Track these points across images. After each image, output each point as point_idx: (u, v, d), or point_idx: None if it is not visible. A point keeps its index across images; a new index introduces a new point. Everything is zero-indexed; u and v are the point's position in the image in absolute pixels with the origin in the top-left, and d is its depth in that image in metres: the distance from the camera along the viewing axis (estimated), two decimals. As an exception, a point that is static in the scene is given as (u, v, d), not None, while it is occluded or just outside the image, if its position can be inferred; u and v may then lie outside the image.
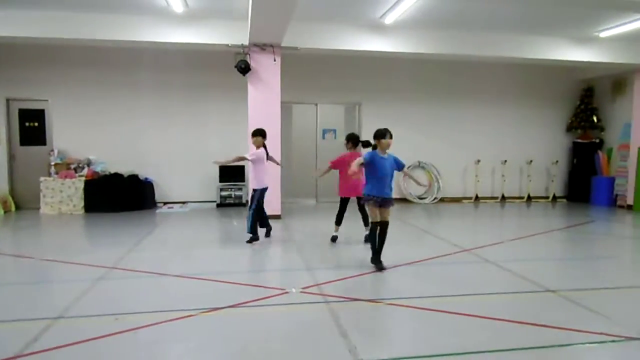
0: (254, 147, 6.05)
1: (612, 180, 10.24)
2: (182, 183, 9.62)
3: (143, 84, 9.34)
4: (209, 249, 5.86)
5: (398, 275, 4.63)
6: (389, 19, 7.60)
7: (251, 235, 5.97)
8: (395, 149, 10.73)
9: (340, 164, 5.90)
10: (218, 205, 9.32)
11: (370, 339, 3.10)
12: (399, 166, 4.93)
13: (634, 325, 3.36)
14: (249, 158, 5.88)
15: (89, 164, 8.90)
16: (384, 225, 4.77)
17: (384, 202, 4.73)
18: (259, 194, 5.96)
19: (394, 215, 8.64)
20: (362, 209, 5.91)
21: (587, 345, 3.03)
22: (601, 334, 3.17)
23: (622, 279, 4.62)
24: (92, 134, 9.22)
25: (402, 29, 8.22)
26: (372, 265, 4.79)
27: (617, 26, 7.95)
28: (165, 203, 9.43)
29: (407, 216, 8.54)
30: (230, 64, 7.74)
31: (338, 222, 6.10)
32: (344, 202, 6.10)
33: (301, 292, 4.00)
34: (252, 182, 6.00)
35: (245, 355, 2.86)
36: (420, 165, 10.52)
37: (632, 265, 5.27)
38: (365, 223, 5.83)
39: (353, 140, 6.02)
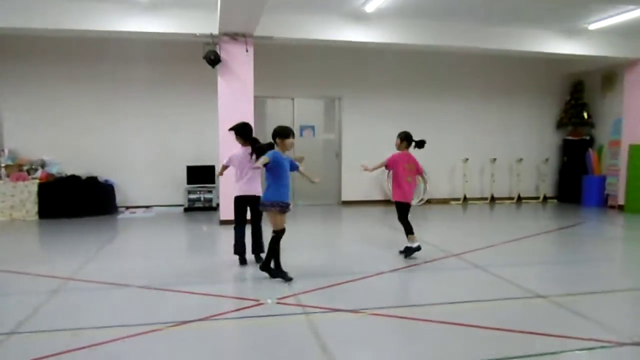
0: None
1: (602, 179, 10.53)
2: (146, 185, 9.50)
3: (103, 78, 9.19)
4: (176, 258, 5.81)
5: (382, 283, 4.68)
6: (370, 7, 7.66)
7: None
8: (378, 146, 10.85)
9: (393, 165, 5.73)
10: (186, 210, 9.24)
11: (352, 352, 3.13)
12: (293, 167, 4.85)
13: (625, 330, 3.47)
14: (225, 164, 5.49)
15: (43, 165, 8.71)
16: (283, 233, 4.69)
17: (286, 208, 4.67)
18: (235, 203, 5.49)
19: (378, 219, 8.75)
20: (405, 218, 5.64)
21: (577, 352, 3.12)
22: (592, 340, 3.27)
23: (612, 283, 4.77)
24: (47, 132, 9.03)
25: (385, 18, 8.29)
26: (269, 275, 4.68)
27: (606, 18, 8.18)
28: (127, 207, 9.30)
29: (392, 220, 8.62)
30: (199, 55, 7.67)
31: (409, 230, 5.59)
32: (399, 207, 5.71)
33: (277, 302, 4.00)
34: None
35: (217, 372, 2.86)
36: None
37: (623, 268, 5.44)
38: (408, 233, 5.56)
39: (408, 139, 5.77)
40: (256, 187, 5.38)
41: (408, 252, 5.50)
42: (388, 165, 5.76)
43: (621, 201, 9.82)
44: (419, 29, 8.50)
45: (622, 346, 3.20)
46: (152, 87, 9.42)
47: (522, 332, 3.42)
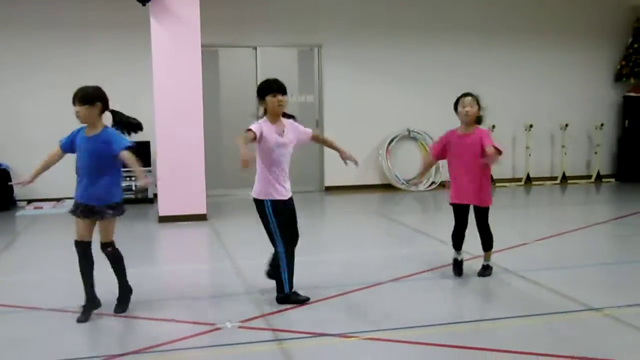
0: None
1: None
2: (56, 171, 9.28)
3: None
4: (100, 270, 5.74)
5: (380, 295, 4.72)
6: None
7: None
8: (375, 112, 10.87)
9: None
10: (112, 203, 9.15)
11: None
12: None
13: None
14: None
15: None
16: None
17: None
18: None
19: (374, 210, 8.78)
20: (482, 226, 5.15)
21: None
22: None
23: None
24: None
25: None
26: None
27: None
28: (29, 201, 9.18)
29: (392, 210, 8.69)
30: (123, -12, 7.55)
31: (457, 245, 5.17)
32: (458, 212, 5.14)
33: (240, 326, 4.00)
34: None
35: None
36: (410, 136, 10.66)
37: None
38: (486, 247, 5.18)
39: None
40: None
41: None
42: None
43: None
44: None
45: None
46: (56, 37, 9.25)
47: (571, 357, 3.48)
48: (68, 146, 4.44)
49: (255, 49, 10.19)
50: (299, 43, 10.37)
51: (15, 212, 8.61)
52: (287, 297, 4.51)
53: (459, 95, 5.29)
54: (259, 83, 4.76)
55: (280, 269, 4.52)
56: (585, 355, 3.50)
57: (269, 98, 4.52)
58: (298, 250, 4.73)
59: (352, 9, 10.26)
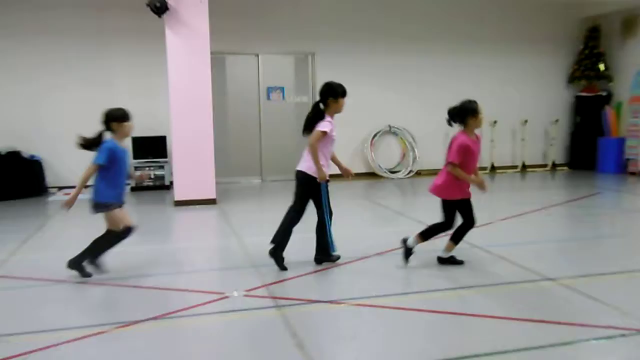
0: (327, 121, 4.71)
1: (621, 141, 10.75)
2: (82, 161, 9.17)
3: (21, 31, 8.87)
4: (122, 247, 5.71)
5: (366, 268, 4.72)
6: (347, -57, 7.53)
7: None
8: (361, 111, 10.85)
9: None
10: (133, 189, 9.10)
11: (333, 349, 3.16)
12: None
13: (645, 314, 3.59)
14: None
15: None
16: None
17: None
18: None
19: (361, 195, 8.78)
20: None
21: (594, 341, 3.21)
22: (609, 327, 3.36)
23: (632, 262, 4.88)
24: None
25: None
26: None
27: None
28: (60, 188, 9.12)
29: (376, 195, 8.69)
30: (141, 1, 7.45)
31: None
32: (462, 206, 4.77)
33: (245, 295, 4.00)
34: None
35: (174, 380, 2.86)
36: (391, 131, 10.67)
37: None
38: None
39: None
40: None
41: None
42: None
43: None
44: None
45: (642, 332, 3.31)
46: (84, 43, 9.15)
47: (529, 320, 3.49)
48: (109, 160, 4.52)
49: (258, 55, 10.13)
50: (295, 51, 10.31)
51: (46, 198, 8.55)
52: (331, 256, 4.74)
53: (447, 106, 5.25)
54: (327, 84, 4.77)
55: (326, 235, 4.70)
56: (541, 318, 3.52)
57: (340, 99, 4.65)
58: (296, 226, 4.73)
59: (341, 22, 10.21)
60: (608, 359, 3.07)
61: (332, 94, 4.65)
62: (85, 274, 4.47)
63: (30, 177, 8.65)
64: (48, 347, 3.17)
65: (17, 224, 6.70)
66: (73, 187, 8.88)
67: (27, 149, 8.86)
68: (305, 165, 4.73)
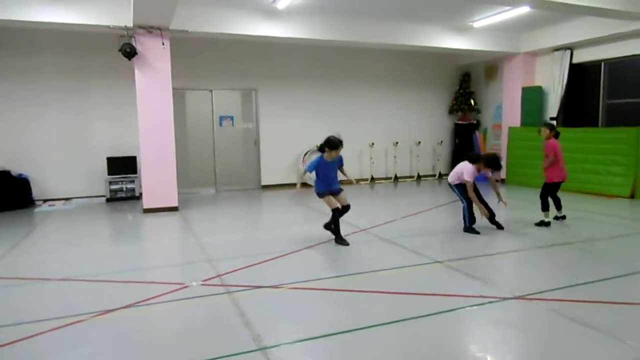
0: None
1: (488, 157, 11.27)
2: (64, 177, 8.79)
3: (10, 69, 8.29)
4: (99, 248, 5.46)
5: (299, 258, 4.71)
6: (281, 4, 7.56)
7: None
8: (294, 134, 10.86)
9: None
10: (108, 200, 8.68)
11: (274, 325, 3.12)
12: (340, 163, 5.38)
13: (506, 286, 3.78)
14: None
15: (-53, 161, 7.76)
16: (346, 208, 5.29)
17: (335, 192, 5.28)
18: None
19: (295, 200, 8.77)
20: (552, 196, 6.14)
21: (469, 308, 3.35)
22: (481, 296, 3.52)
23: (494, 247, 5.15)
24: (-50, 126, 8.03)
25: (294, 15, 8.24)
26: (338, 244, 5.17)
27: (487, 17, 8.73)
28: (44, 200, 8.56)
29: (307, 200, 8.69)
30: (114, 47, 7.16)
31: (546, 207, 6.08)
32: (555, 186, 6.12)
33: (202, 284, 3.89)
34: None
35: (144, 356, 2.73)
36: (318, 150, 10.70)
37: (504, 233, 5.86)
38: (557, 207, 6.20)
39: (554, 128, 6.18)
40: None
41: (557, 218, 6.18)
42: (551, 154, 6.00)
43: (503, 175, 10.60)
44: (323, 25, 8.53)
45: (505, 300, 3.47)
46: (66, 78, 8.65)
47: (424, 294, 3.60)
48: (315, 168, 5.22)
49: (211, 91, 9.93)
50: (242, 87, 10.19)
51: (34, 209, 7.99)
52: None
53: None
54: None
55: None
56: (432, 292, 3.63)
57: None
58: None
59: (277, 65, 10.19)
60: (480, 321, 3.19)
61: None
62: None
63: (18, 192, 8.05)
64: (33, 336, 2.96)
65: (7, 232, 6.22)
66: (56, 199, 8.51)
67: (16, 169, 8.25)
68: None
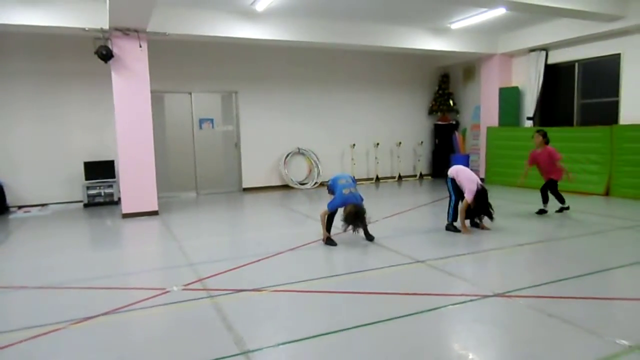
0: None
1: (467, 157, 11.46)
2: (39, 183, 8.59)
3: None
4: (77, 254, 5.34)
5: (281, 261, 4.69)
6: (260, 6, 7.53)
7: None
8: (275, 136, 10.84)
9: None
10: (86, 205, 8.51)
11: (256, 328, 3.10)
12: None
13: (487, 284, 3.83)
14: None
15: None
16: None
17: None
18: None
19: (277, 202, 8.75)
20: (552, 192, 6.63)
21: (451, 306, 3.38)
22: (462, 295, 3.56)
23: (474, 245, 5.21)
24: None
25: (273, 17, 8.22)
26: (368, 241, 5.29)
27: (465, 19, 8.85)
28: (19, 207, 8.35)
29: (289, 202, 8.68)
30: (90, 49, 7.03)
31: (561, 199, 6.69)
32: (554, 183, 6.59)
33: (183, 289, 3.84)
34: None
35: (123, 364, 2.68)
36: (300, 152, 10.72)
37: (484, 233, 5.94)
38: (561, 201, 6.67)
39: (545, 136, 6.59)
40: None
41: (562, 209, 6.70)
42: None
43: (482, 175, 10.75)
44: (302, 27, 8.52)
45: (486, 298, 3.52)
46: (40, 82, 8.45)
47: (406, 294, 3.62)
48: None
49: (191, 93, 9.82)
50: (222, 90, 10.13)
51: (8, 216, 7.79)
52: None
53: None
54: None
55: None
56: (414, 291, 3.65)
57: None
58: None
59: (257, 67, 10.15)
60: (462, 319, 3.23)
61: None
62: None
63: (-8, 198, 7.85)
64: (9, 345, 2.88)
65: (-20, 239, 6.04)
66: (32, 205, 8.31)
67: (-12, 174, 8.05)
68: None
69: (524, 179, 6.89)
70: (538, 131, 6.76)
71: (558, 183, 6.62)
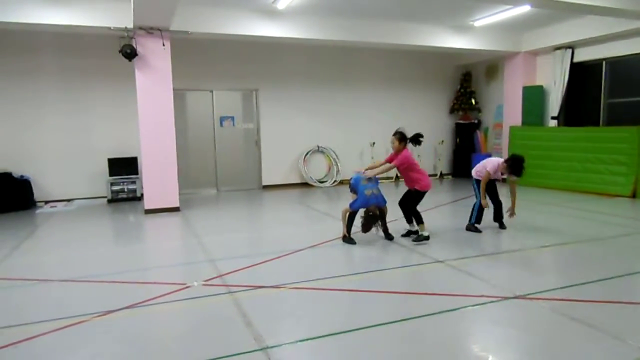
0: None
1: (489, 156, 11.22)
2: (65, 179, 8.81)
3: (11, 70, 8.31)
4: (100, 249, 5.47)
5: (301, 258, 4.71)
6: (281, 4, 7.56)
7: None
8: (295, 134, 10.87)
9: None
10: (109, 201, 8.70)
11: (275, 325, 3.13)
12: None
13: (507, 286, 3.78)
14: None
15: (-52, 162, 7.78)
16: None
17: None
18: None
19: (296, 200, 8.79)
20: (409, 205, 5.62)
21: (471, 307, 3.35)
22: (482, 296, 3.52)
23: (495, 246, 5.15)
24: (-49, 128, 8.05)
25: (295, 15, 8.24)
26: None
27: (488, 16, 8.72)
28: (46, 202, 8.57)
29: (308, 200, 8.70)
30: (115, 48, 7.17)
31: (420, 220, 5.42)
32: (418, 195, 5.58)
33: (203, 285, 3.90)
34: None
35: (145, 357, 2.74)
36: (319, 150, 10.74)
37: (505, 233, 5.86)
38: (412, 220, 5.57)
39: (404, 138, 5.74)
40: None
41: (418, 239, 5.26)
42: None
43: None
44: (324, 25, 8.52)
45: (506, 300, 3.48)
46: (66, 80, 8.66)
47: (425, 293, 3.60)
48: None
49: (212, 91, 9.94)
50: (243, 88, 10.21)
51: (35, 210, 8.01)
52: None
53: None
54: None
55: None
56: (434, 292, 3.63)
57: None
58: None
59: (277, 66, 10.20)
60: (482, 320, 3.20)
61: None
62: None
63: (20, 193, 8.07)
64: (35, 336, 2.97)
65: (10, 233, 6.24)
66: (57, 200, 8.53)
67: (17, 171, 8.27)
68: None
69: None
70: (394, 134, 5.72)
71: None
